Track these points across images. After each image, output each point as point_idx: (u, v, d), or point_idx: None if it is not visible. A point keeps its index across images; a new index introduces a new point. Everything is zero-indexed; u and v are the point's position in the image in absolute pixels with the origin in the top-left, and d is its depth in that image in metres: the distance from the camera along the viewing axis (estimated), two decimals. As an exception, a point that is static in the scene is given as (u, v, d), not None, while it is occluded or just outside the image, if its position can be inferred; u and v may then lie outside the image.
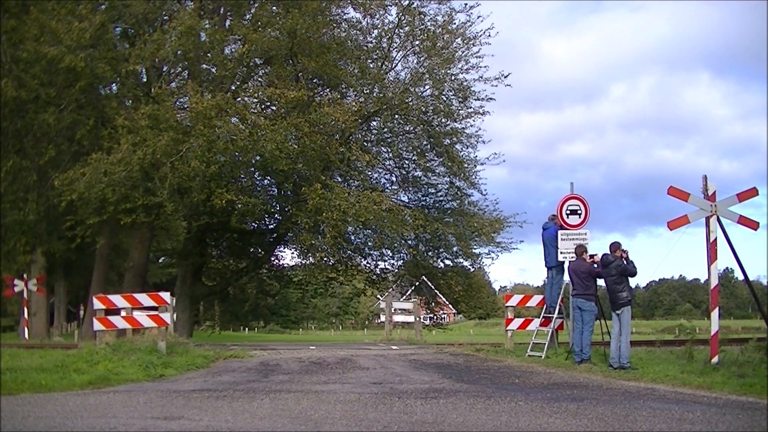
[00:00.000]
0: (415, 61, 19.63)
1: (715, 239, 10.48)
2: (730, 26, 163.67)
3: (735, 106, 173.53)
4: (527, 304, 14.92)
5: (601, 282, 11.57)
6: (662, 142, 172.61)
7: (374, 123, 20.79)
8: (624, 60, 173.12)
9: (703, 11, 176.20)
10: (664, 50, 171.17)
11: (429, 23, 19.15)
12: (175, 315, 17.79)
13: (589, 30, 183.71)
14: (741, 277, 15.09)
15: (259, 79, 19.76)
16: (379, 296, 31.57)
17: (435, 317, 27.20)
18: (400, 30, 19.19)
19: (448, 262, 22.45)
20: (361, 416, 6.64)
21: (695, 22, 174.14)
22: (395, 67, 19.89)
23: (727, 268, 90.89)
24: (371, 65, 19.60)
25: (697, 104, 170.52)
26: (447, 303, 29.54)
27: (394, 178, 21.97)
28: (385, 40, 19.42)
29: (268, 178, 20.83)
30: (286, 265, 25.38)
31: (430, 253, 22.14)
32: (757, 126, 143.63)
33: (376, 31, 19.60)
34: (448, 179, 21.29)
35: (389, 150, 21.52)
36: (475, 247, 21.36)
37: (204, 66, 18.06)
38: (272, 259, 24.87)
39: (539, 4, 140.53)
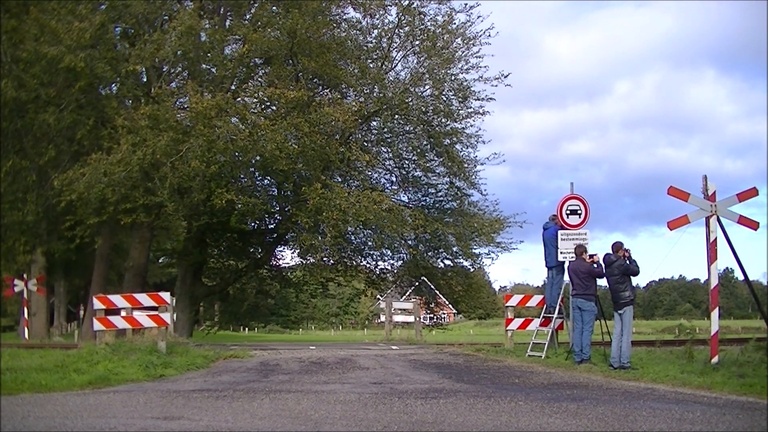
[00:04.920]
0: (415, 61, 19.67)
1: (715, 239, 10.48)
2: (735, 23, 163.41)
3: (740, 103, 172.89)
4: (527, 304, 14.94)
5: (602, 282, 11.57)
6: (666, 141, 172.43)
7: (374, 123, 20.80)
8: (628, 57, 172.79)
9: (709, 7, 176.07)
10: (669, 47, 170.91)
11: (429, 23, 19.20)
12: (175, 315, 17.80)
13: (593, 26, 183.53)
14: (741, 277, 15.10)
15: (259, 79, 19.76)
16: (379, 296, 31.58)
17: (435, 317, 27.20)
18: (400, 30, 19.21)
19: (448, 262, 22.52)
20: (361, 416, 6.63)
21: (700, 19, 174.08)
22: (395, 67, 19.94)
23: (727, 268, 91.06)
24: (371, 65, 19.61)
25: (702, 102, 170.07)
26: (447, 303, 29.55)
27: (394, 178, 22.01)
28: (385, 40, 19.44)
29: (268, 178, 20.85)
30: (286, 265, 25.43)
31: (430, 253, 22.16)
32: (761, 124, 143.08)
33: (376, 31, 19.64)
34: (448, 179, 21.33)
35: (389, 150, 21.53)
36: (475, 247, 21.43)
37: (204, 66, 18.05)
38: (272, 259, 24.89)
39: (543, 0, 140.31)
